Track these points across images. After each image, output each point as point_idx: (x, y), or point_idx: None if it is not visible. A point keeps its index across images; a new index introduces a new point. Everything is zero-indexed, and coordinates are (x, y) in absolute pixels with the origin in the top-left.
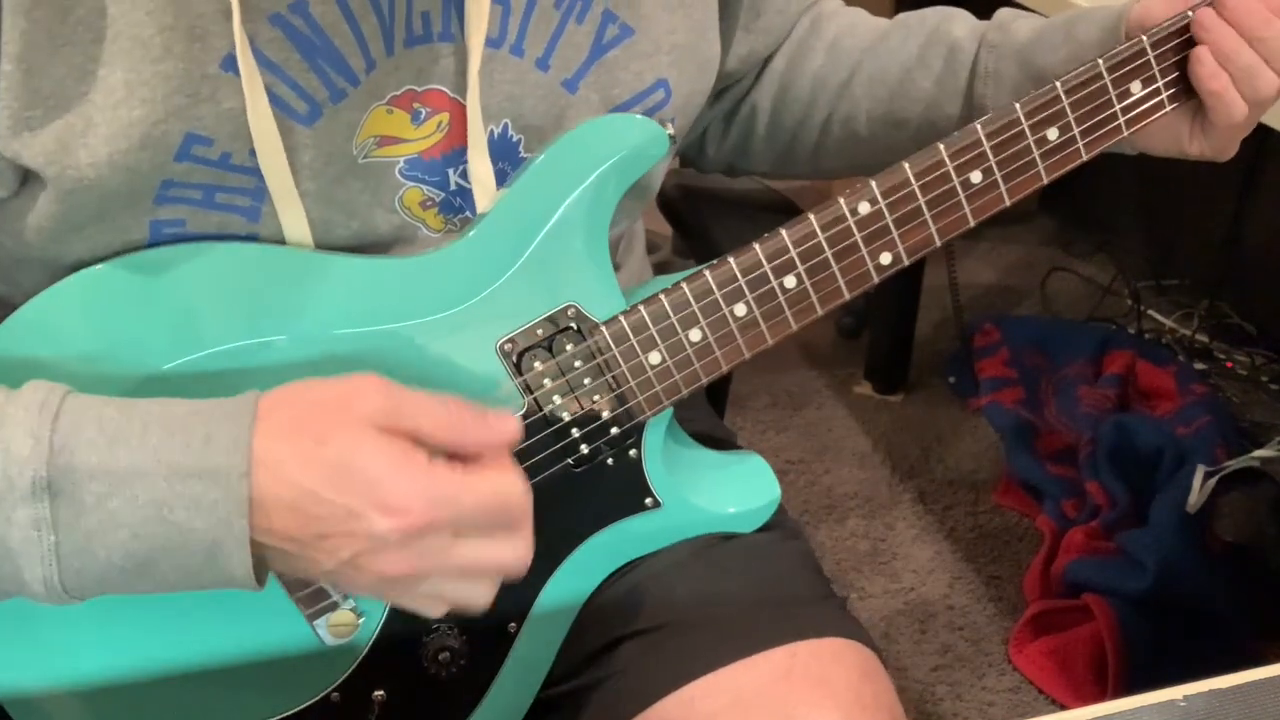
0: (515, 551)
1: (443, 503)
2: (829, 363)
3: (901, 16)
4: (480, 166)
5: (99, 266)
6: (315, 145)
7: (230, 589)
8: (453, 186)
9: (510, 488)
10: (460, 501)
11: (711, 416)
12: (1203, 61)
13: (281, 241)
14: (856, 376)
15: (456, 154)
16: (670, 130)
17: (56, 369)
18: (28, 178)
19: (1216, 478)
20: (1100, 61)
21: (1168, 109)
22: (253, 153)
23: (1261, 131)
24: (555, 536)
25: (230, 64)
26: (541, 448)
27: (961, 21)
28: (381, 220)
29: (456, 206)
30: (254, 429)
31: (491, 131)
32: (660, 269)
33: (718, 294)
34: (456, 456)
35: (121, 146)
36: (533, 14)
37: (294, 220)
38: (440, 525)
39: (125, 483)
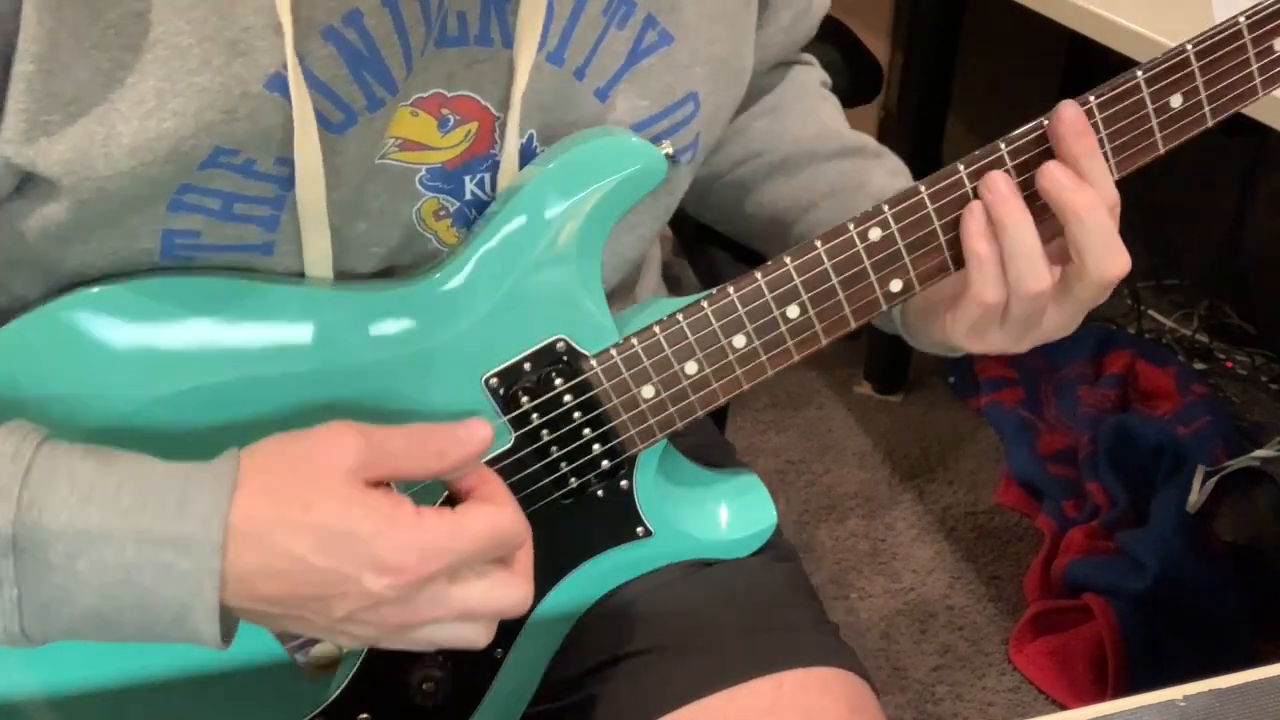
0: (515, 593)
1: (437, 555)
2: (829, 363)
3: (857, 141)
4: (508, 182)
5: (88, 291)
6: (341, 152)
7: (195, 645)
8: (468, 196)
9: (503, 519)
10: (454, 549)
11: (709, 427)
12: (974, 214)
13: (296, 250)
14: (856, 376)
15: (476, 162)
16: (668, 150)
17: (32, 401)
18: (33, 179)
19: (1216, 478)
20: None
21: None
22: (278, 160)
23: (1261, 131)
24: (543, 565)
25: (276, 84)
26: (530, 482)
27: (873, 185)
28: (397, 232)
29: (470, 219)
30: (233, 499)
31: None
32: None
33: (715, 325)
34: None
35: (146, 159)
36: (579, 21)
37: (315, 232)
38: (437, 576)
39: (94, 544)
